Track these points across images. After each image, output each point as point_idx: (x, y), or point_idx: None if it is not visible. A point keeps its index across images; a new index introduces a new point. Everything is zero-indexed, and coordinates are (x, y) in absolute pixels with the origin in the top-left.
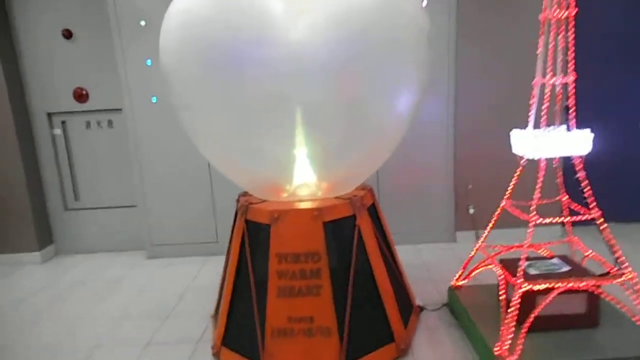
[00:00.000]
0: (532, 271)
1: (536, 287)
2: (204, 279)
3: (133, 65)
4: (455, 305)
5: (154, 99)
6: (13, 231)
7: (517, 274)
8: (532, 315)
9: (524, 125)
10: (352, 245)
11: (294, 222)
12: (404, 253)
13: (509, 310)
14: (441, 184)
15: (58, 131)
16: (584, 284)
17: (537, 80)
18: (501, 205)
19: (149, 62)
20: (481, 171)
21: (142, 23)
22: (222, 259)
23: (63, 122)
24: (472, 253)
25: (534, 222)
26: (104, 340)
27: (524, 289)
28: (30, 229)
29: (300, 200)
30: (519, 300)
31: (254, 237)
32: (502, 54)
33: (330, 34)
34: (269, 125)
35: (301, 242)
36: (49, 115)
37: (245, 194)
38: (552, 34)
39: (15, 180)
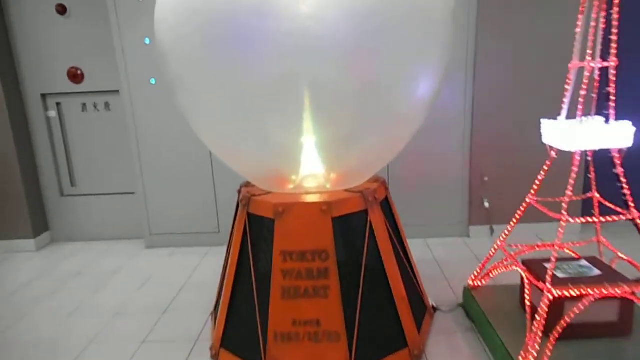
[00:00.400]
0: (560, 274)
1: (567, 294)
2: (204, 271)
3: (131, 43)
4: (472, 307)
5: (152, 81)
6: (6, 218)
7: (546, 279)
8: (562, 325)
9: (545, 115)
10: (363, 243)
11: (301, 216)
12: (413, 247)
13: (536, 319)
14: (455, 175)
15: (53, 113)
16: (620, 290)
17: (574, 63)
18: (526, 200)
19: (147, 40)
20: (498, 162)
21: None
22: (224, 250)
23: (58, 104)
24: (492, 251)
25: (565, 221)
26: (97, 336)
27: (553, 296)
28: (24, 216)
29: (307, 193)
30: (548, 307)
31: (256, 232)
32: (523, 38)
33: (345, 7)
34: (274, 109)
35: (308, 239)
36: (43, 96)
37: (247, 184)
38: (594, 11)
39: (9, 165)
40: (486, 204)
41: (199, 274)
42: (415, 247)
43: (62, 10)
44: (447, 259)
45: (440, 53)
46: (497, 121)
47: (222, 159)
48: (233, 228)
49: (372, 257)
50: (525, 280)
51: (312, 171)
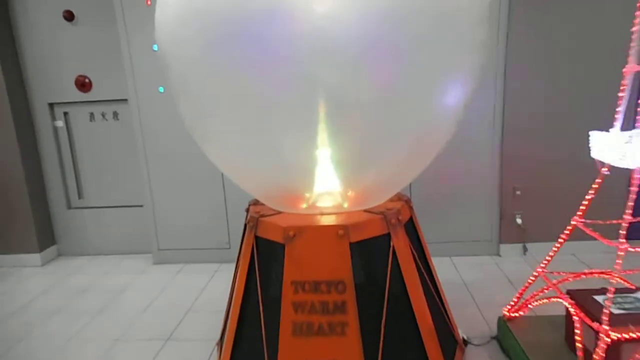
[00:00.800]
0: (615, 310)
1: (627, 336)
2: (213, 291)
3: (139, 50)
4: (508, 341)
5: (161, 89)
6: (12, 231)
7: (602, 318)
8: None
9: (583, 122)
10: (385, 272)
11: (314, 241)
12: (438, 267)
13: None
14: (484, 188)
15: (60, 123)
16: None
17: (631, 67)
18: (571, 222)
19: (156, 47)
20: (531, 174)
21: (149, 2)
22: (234, 268)
23: (65, 114)
24: (530, 279)
25: (624, 250)
26: None
27: (611, 339)
28: (30, 229)
29: (322, 214)
30: (604, 352)
31: (265, 258)
32: (557, 44)
33: (365, 6)
34: (285, 119)
35: (323, 268)
36: (51, 105)
37: (256, 202)
38: None
39: (14, 176)
40: (518, 220)
41: (207, 294)
42: (441, 267)
43: (69, 16)
44: (477, 282)
45: (473, 58)
46: (530, 129)
47: (228, 175)
48: (240, 251)
49: (395, 288)
50: (575, 317)
51: (327, 189)
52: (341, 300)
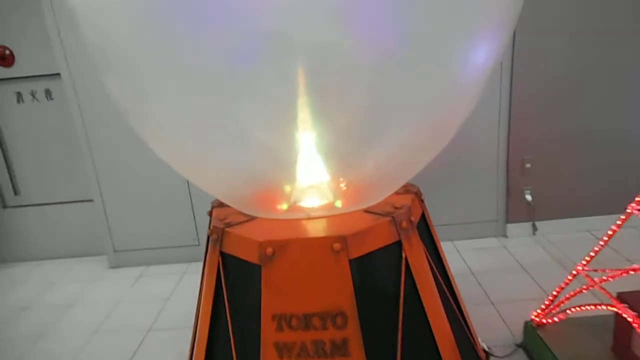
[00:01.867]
0: None
1: None
2: (180, 298)
3: (67, 13)
4: (541, 353)
5: None
6: None
7: None
8: None
9: (601, 91)
10: (397, 292)
11: (301, 260)
12: None
13: None
14: (489, 161)
15: None
16: None
17: None
18: (627, 210)
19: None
20: (543, 146)
21: None
22: None
23: None
24: (567, 279)
25: None
26: None
27: None
28: None
29: (309, 219)
30: None
31: (235, 284)
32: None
33: None
34: (254, 92)
35: (314, 296)
36: None
37: (221, 203)
38: None
39: None
40: (528, 197)
41: (173, 305)
42: None
43: None
44: (485, 269)
45: (503, 6)
46: (542, 93)
47: (180, 171)
48: (203, 270)
49: (411, 312)
50: (634, 324)
51: (313, 181)
52: (341, 337)
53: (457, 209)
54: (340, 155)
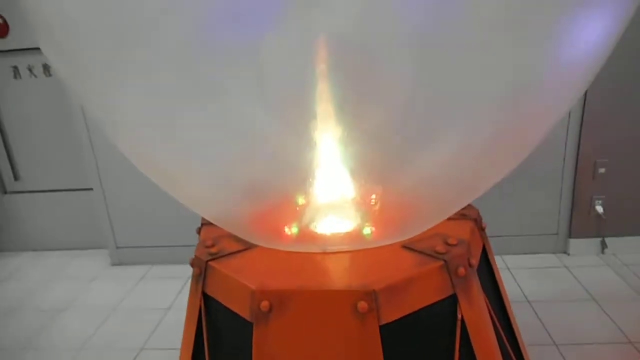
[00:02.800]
0: None
1: None
2: (181, 310)
3: None
4: None
5: None
6: None
7: None
8: None
9: None
10: None
11: (309, 322)
12: None
13: None
14: (553, 162)
15: None
16: None
17: None
18: None
19: None
20: (621, 148)
21: None
22: None
23: None
24: None
25: None
26: None
27: None
28: None
29: (325, 253)
30: None
31: (220, 340)
32: None
33: None
34: (257, 72)
35: None
36: None
37: (211, 224)
38: None
39: None
40: (599, 208)
41: (172, 317)
42: None
43: None
44: (544, 296)
45: None
46: (625, 76)
47: (153, 178)
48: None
49: None
50: None
51: (334, 198)
52: None
53: (509, 217)
54: (373, 164)
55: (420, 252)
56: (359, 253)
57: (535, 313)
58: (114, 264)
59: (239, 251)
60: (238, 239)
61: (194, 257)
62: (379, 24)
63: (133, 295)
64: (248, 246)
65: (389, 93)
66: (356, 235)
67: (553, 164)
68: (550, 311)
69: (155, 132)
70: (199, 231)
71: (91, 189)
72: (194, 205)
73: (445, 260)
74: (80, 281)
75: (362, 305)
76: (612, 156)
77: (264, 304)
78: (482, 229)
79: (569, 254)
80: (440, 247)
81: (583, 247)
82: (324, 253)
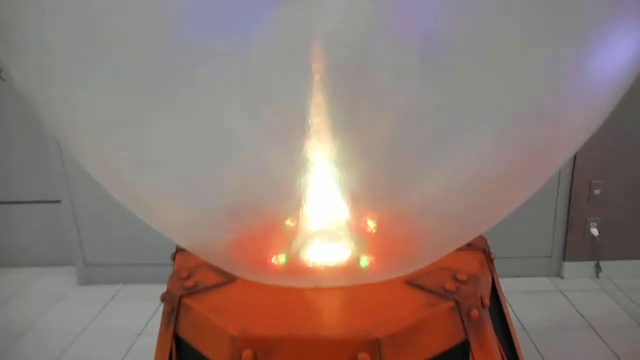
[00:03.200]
0: None
1: None
2: (152, 335)
3: None
4: None
5: None
6: None
7: None
8: None
9: None
10: None
11: None
12: None
13: None
14: (548, 183)
15: None
16: None
17: None
18: None
19: None
20: (618, 168)
21: None
22: None
23: None
24: None
25: None
26: None
27: None
28: None
29: (317, 289)
30: None
31: None
32: None
33: None
34: (241, 80)
35: None
36: None
37: (185, 251)
38: None
39: None
40: (594, 231)
41: (143, 344)
42: None
43: None
44: (540, 323)
45: None
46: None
47: (122, 200)
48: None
49: None
50: None
51: (328, 224)
52: None
53: (501, 238)
54: (373, 186)
55: (428, 290)
56: (357, 290)
57: (531, 339)
58: (81, 283)
59: (218, 285)
60: (218, 270)
61: (167, 289)
62: (383, 25)
63: (101, 318)
64: (229, 279)
65: (393, 105)
66: (353, 267)
67: (548, 187)
68: (546, 338)
69: (120, 144)
70: (173, 257)
71: (59, 201)
72: (166, 230)
73: (456, 301)
74: (43, 301)
75: (363, 357)
76: (607, 177)
77: (247, 354)
78: (491, 260)
79: (563, 277)
80: (450, 284)
81: (577, 270)
82: (317, 289)
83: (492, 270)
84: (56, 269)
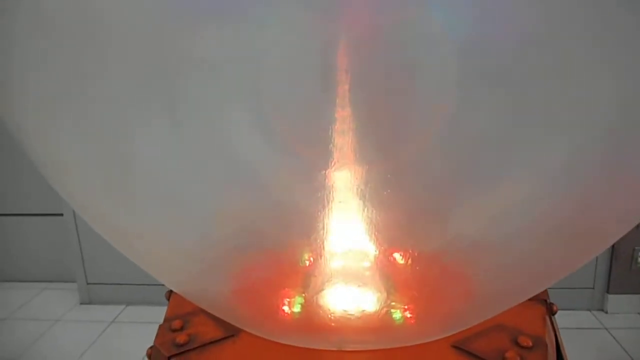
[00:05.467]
0: None
1: None
2: None
3: None
4: None
5: None
6: None
7: None
8: None
9: None
10: None
11: None
12: None
13: None
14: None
15: None
16: None
17: None
18: None
19: None
20: None
21: None
22: None
23: None
24: None
25: None
26: None
27: None
28: None
29: (340, 352)
30: None
31: None
32: None
33: None
34: (247, 88)
35: None
36: None
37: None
38: None
39: None
40: None
41: None
42: None
43: None
44: None
45: None
46: None
47: (101, 232)
48: None
49: None
50: None
51: (354, 264)
52: None
53: None
54: (407, 221)
55: (481, 359)
56: (389, 355)
57: None
58: (82, 302)
59: (217, 340)
60: (218, 320)
61: (153, 345)
62: (418, 32)
63: (99, 343)
64: (231, 332)
65: (431, 122)
66: (383, 321)
67: None
68: None
69: (98, 169)
70: (168, 297)
71: (61, 214)
72: (159, 273)
73: None
74: (41, 322)
75: None
76: None
77: None
78: (553, 314)
79: (606, 312)
80: (511, 353)
81: (623, 305)
82: (340, 352)
83: (555, 327)
84: (57, 285)
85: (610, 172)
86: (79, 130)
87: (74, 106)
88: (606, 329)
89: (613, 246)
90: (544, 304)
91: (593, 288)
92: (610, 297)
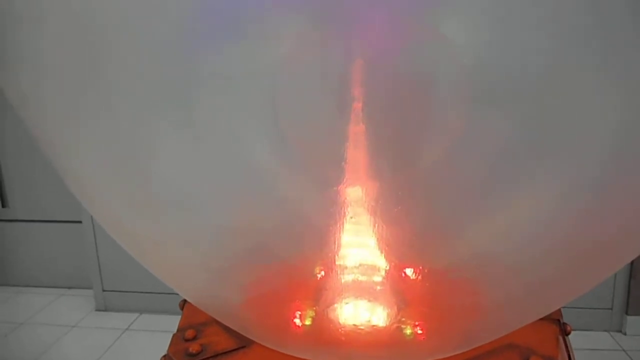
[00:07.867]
0: None
1: None
2: None
3: None
4: None
5: None
6: None
7: None
8: None
9: None
10: None
11: None
12: None
13: None
14: None
15: None
16: None
17: None
18: None
19: None
20: None
21: None
22: None
23: None
24: None
25: None
26: None
27: None
28: None
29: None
30: None
31: None
32: None
33: None
34: (254, 99)
35: None
36: None
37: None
38: None
39: None
40: None
41: None
42: None
43: None
44: None
45: None
46: None
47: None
48: None
49: None
50: None
51: (365, 277)
52: None
53: None
54: (421, 236)
55: None
56: None
57: None
58: (98, 309)
59: (230, 351)
60: (231, 330)
61: (166, 354)
62: (432, 51)
63: (115, 349)
64: (243, 343)
65: (443, 140)
66: (394, 336)
67: None
68: None
69: (117, 182)
70: (182, 306)
71: (80, 221)
72: (176, 283)
73: None
74: (56, 328)
75: None
76: None
77: None
78: (566, 334)
79: (625, 334)
80: None
81: None
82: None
83: (569, 348)
84: (74, 291)
85: (624, 189)
86: (101, 141)
87: (97, 119)
88: (624, 350)
89: (632, 265)
90: (557, 324)
91: (611, 309)
92: (629, 318)
